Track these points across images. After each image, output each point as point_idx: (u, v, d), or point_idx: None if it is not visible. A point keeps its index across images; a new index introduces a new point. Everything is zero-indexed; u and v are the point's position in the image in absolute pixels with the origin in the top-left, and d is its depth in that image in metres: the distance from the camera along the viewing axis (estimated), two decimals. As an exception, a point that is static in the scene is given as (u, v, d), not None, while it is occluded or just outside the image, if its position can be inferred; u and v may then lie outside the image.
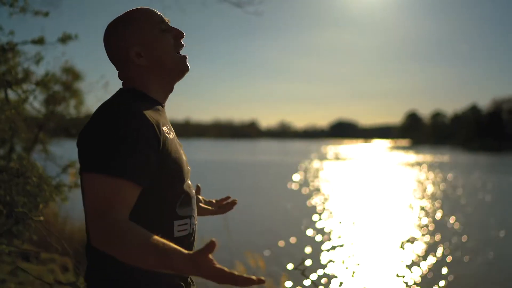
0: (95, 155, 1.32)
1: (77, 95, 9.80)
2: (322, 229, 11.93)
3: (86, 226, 1.50)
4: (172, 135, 1.52)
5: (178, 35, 1.58)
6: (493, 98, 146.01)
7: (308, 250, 9.71)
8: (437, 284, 7.62)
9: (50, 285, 3.18)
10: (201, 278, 1.15)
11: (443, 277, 8.03)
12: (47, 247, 4.76)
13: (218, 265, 1.12)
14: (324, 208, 15.48)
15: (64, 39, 4.52)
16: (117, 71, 1.60)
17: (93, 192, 1.29)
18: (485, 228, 12.47)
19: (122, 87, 1.59)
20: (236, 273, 1.11)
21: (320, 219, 13.31)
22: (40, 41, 4.18)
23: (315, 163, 42.92)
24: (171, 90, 1.63)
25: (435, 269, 8.51)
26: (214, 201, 1.99)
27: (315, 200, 17.42)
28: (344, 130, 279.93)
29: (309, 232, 11.54)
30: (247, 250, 6.46)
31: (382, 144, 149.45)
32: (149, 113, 1.42)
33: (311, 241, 10.55)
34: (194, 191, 1.61)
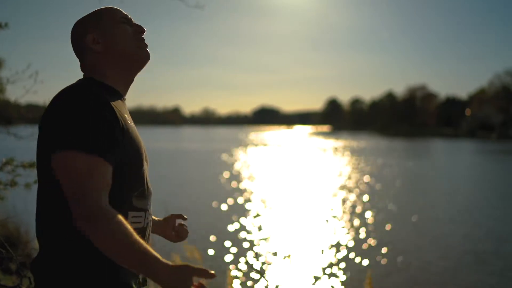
0: (70, 134, 1.31)
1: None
2: (250, 215, 12.12)
3: (37, 210, 1.45)
4: (132, 123, 1.53)
5: (138, 28, 1.59)
6: (407, 86, 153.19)
7: (234, 238, 9.84)
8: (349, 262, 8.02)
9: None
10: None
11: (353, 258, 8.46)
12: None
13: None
14: (251, 195, 15.70)
15: (-7, 27, 4.22)
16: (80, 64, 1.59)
17: (75, 169, 1.30)
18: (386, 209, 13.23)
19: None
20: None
21: (248, 205, 13.51)
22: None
23: (241, 150, 43.21)
24: (131, 81, 1.62)
25: (354, 249, 8.94)
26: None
27: (243, 186, 17.62)
28: (267, 117, 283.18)
29: (231, 214, 11.69)
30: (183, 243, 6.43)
31: (303, 130, 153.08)
32: (109, 99, 1.43)
33: (237, 227, 10.70)
34: (151, 188, 1.59)
